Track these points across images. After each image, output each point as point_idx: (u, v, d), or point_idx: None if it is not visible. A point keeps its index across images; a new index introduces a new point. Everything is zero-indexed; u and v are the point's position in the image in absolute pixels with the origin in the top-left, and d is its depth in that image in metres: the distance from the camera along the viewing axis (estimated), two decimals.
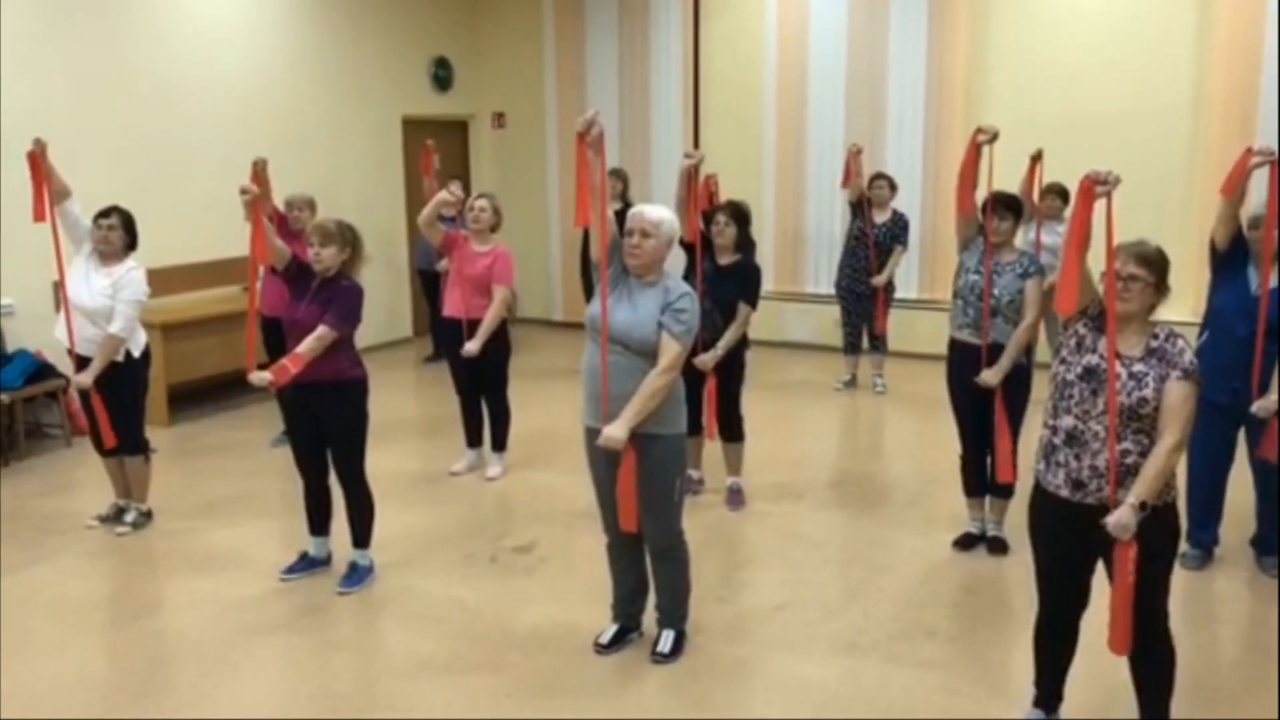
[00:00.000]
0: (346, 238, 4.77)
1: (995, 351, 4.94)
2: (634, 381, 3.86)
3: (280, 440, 6.69)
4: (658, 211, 3.99)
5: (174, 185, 8.28)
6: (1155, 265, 3.21)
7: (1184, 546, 4.78)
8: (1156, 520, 3.20)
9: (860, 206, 8.24)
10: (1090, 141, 8.17)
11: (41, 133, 5.29)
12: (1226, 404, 4.71)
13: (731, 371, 5.74)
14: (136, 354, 5.49)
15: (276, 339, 5.34)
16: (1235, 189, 4.60)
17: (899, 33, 9.39)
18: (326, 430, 4.81)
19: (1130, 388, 3.15)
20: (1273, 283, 4.58)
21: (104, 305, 5.31)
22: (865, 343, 8.54)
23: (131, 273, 5.39)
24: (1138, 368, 3.17)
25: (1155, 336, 3.21)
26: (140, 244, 5.56)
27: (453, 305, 6.26)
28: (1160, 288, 3.23)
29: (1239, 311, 4.65)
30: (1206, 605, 4.73)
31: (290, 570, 5.03)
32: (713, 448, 6.01)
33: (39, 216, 5.23)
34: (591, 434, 4.03)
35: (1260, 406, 4.61)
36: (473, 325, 6.15)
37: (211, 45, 8.63)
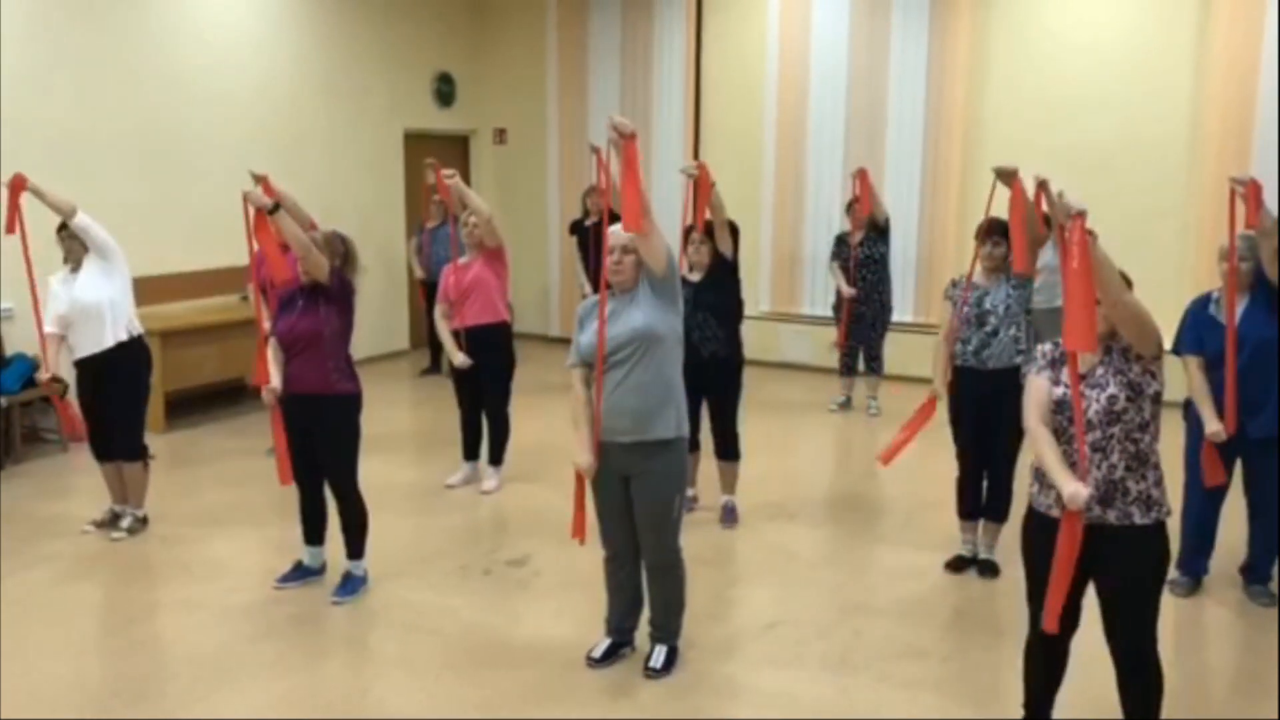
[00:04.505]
0: (336, 248, 4.82)
1: (996, 375, 4.95)
2: (641, 396, 3.92)
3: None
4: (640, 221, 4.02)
5: (174, 194, 8.33)
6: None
7: (1174, 573, 4.81)
8: (1147, 540, 3.25)
9: (843, 241, 8.35)
10: (1087, 173, 8.24)
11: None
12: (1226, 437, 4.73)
13: (728, 390, 5.78)
14: (135, 334, 5.54)
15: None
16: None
17: (899, 59, 9.47)
18: (319, 443, 4.84)
19: (1095, 396, 3.21)
20: (1240, 311, 4.62)
21: (94, 297, 5.37)
22: (861, 364, 8.59)
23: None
24: (1096, 376, 3.24)
25: (1109, 350, 3.26)
26: (139, 252, 5.60)
27: (459, 318, 6.28)
28: None
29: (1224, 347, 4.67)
30: (1195, 632, 4.75)
31: (285, 579, 5.04)
32: (708, 466, 6.04)
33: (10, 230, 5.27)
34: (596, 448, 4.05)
35: (1213, 432, 4.64)
36: (479, 330, 6.21)
37: (215, 57, 8.69)
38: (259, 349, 5.04)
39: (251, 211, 4.74)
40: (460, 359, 6.24)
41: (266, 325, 5.13)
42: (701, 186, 5.33)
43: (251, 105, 9.02)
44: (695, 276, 5.63)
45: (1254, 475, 4.87)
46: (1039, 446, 3.31)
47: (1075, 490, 3.14)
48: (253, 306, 6.57)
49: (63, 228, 5.46)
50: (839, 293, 8.44)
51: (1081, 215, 2.96)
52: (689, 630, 4.39)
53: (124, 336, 5.50)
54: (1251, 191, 4.56)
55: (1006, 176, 4.78)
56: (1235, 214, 4.63)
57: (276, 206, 4.60)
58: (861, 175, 8.13)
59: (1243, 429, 4.68)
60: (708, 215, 5.46)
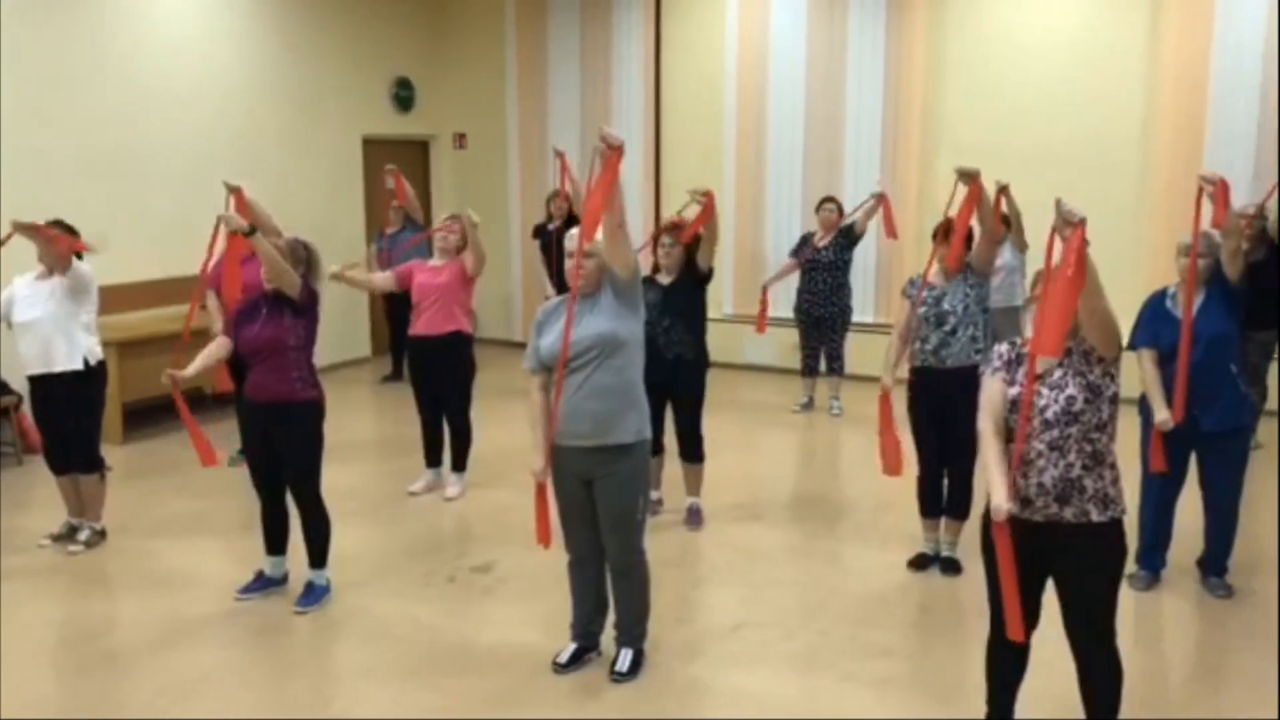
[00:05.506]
0: (299, 255, 4.79)
1: (957, 375, 4.98)
2: (602, 400, 3.92)
3: (237, 459, 6.65)
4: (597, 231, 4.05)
5: (130, 202, 8.23)
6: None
7: (1132, 567, 4.88)
8: (1104, 537, 3.29)
9: (805, 242, 8.41)
10: (1042, 172, 8.33)
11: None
12: (1182, 431, 4.78)
13: (692, 392, 5.80)
14: (93, 362, 5.46)
15: (238, 359, 5.30)
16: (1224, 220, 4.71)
17: (856, 61, 9.52)
18: (280, 451, 4.80)
19: (1054, 397, 3.25)
20: (1196, 306, 4.70)
21: (49, 314, 5.30)
22: (823, 366, 8.64)
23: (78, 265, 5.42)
24: (1055, 377, 3.28)
25: (1069, 351, 3.31)
26: (96, 261, 5.54)
27: (421, 324, 6.25)
28: None
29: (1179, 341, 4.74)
30: (1154, 625, 4.82)
31: (246, 590, 5.00)
32: (672, 469, 6.05)
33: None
34: (558, 451, 4.06)
35: (1161, 420, 4.72)
36: (440, 338, 6.18)
37: (169, 63, 8.60)
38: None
39: (223, 228, 4.73)
40: (342, 268, 6.06)
41: (218, 327, 5.08)
42: (706, 213, 5.53)
43: (208, 111, 8.93)
44: (665, 279, 5.64)
45: (1209, 469, 4.94)
46: (984, 449, 3.35)
47: (997, 504, 3.21)
48: (212, 315, 6.52)
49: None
50: (799, 294, 8.48)
51: (1082, 223, 2.99)
52: (655, 632, 4.40)
53: (79, 365, 5.42)
54: (1220, 191, 4.65)
55: (967, 177, 4.93)
56: (1200, 211, 4.70)
57: (253, 229, 4.55)
58: (886, 203, 8.24)
59: (1197, 423, 4.75)
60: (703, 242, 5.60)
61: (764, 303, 8.10)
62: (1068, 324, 3.03)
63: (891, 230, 8.25)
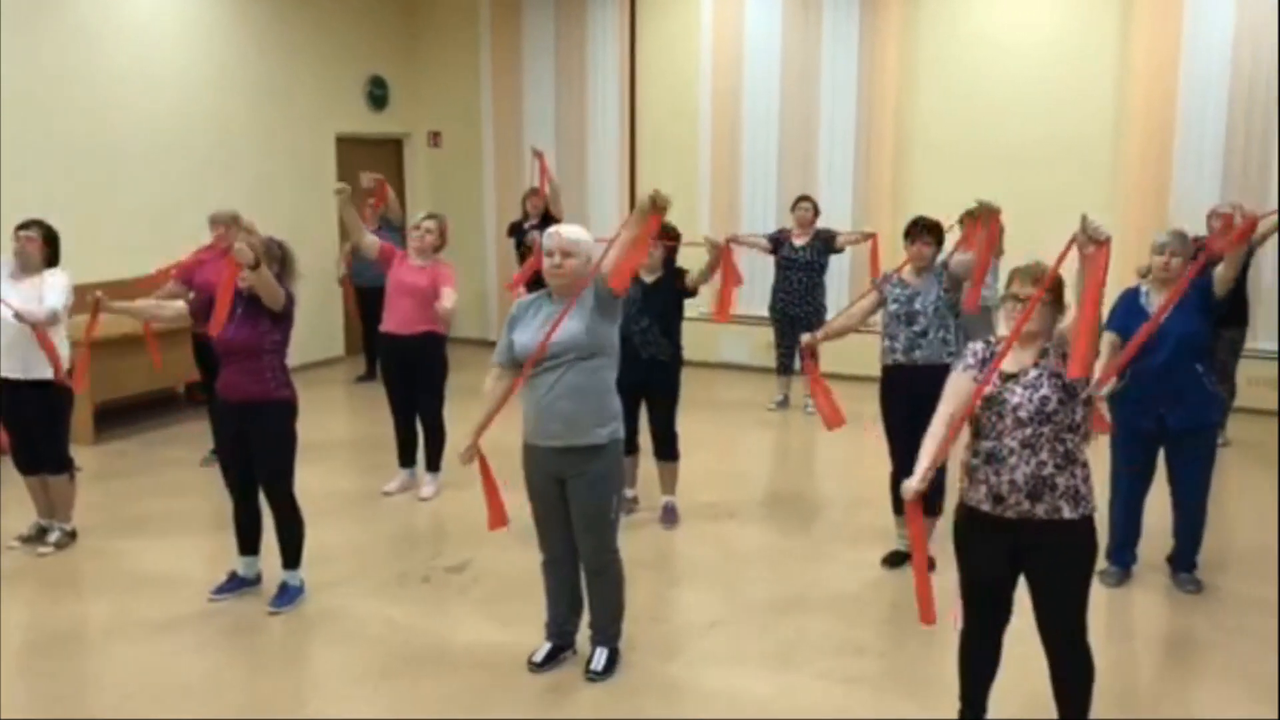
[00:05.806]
0: (274, 254, 4.76)
1: (928, 371, 4.99)
2: (574, 401, 3.92)
3: (210, 459, 6.61)
4: (574, 230, 4.06)
5: (101, 201, 8.16)
6: (1051, 284, 3.34)
7: (1103, 563, 4.92)
8: (1075, 534, 3.32)
9: (778, 240, 8.45)
10: (1014, 172, 8.39)
11: None
12: (1150, 429, 4.86)
13: (666, 391, 5.80)
14: (64, 369, 5.40)
15: (210, 358, 5.28)
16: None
17: (830, 60, 9.56)
18: (253, 450, 4.77)
19: (1028, 396, 3.28)
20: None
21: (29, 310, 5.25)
22: (797, 364, 8.66)
23: (56, 275, 5.36)
24: (1030, 376, 3.31)
25: (1044, 353, 3.33)
26: (67, 259, 5.48)
27: (394, 321, 6.22)
28: (1058, 305, 3.39)
29: (1150, 342, 4.79)
30: (1125, 621, 4.86)
31: (219, 590, 4.96)
32: (647, 467, 6.05)
33: None
34: (530, 451, 4.06)
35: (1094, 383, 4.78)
36: (413, 339, 6.15)
37: (140, 60, 8.53)
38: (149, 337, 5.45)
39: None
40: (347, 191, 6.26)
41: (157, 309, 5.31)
42: (725, 261, 5.66)
43: (180, 110, 8.86)
44: (649, 277, 5.64)
45: (1177, 467, 5.00)
46: (928, 437, 3.41)
47: (907, 484, 3.32)
48: (187, 316, 6.46)
49: (22, 227, 5.34)
50: (775, 293, 8.52)
51: (1107, 242, 3.01)
52: (630, 631, 4.40)
53: (50, 375, 5.34)
54: (1247, 224, 4.76)
55: (989, 213, 4.87)
56: (1230, 227, 4.82)
57: (258, 263, 4.53)
58: (875, 243, 8.33)
59: (1164, 421, 4.82)
60: (697, 279, 5.68)
61: (730, 260, 8.02)
62: (1095, 342, 3.07)
63: (876, 271, 8.25)
